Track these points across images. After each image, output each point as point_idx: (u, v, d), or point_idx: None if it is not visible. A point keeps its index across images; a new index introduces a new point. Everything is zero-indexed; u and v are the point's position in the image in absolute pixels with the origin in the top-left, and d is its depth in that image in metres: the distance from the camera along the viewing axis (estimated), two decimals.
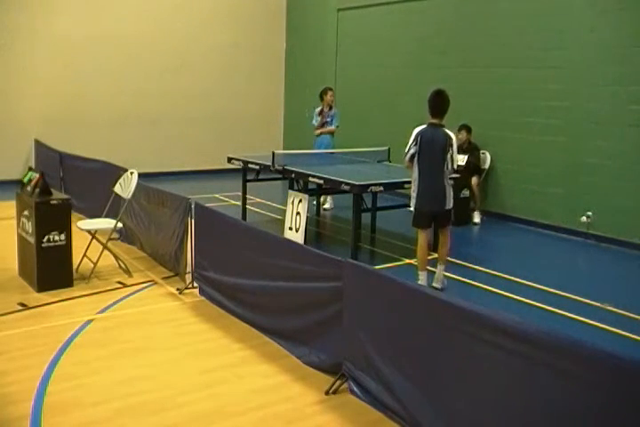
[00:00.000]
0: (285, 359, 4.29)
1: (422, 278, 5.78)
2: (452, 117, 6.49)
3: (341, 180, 6.58)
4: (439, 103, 5.73)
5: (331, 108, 9.15)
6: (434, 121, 5.74)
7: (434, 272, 5.92)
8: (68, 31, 10.95)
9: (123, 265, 6.13)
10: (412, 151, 5.70)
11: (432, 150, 5.65)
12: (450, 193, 5.77)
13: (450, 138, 5.67)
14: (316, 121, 9.17)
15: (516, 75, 8.74)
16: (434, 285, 5.82)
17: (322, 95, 9.15)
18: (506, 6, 8.85)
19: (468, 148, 8.85)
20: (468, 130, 8.88)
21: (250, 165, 8.09)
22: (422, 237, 5.84)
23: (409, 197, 5.90)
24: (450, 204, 5.79)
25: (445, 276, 6.00)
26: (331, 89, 9.26)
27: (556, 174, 8.36)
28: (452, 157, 5.66)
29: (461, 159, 8.44)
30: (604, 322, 5.10)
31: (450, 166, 5.69)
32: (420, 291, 3.41)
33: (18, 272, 5.90)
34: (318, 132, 9.15)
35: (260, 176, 8.31)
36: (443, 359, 3.21)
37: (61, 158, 9.11)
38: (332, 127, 9.13)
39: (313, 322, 4.17)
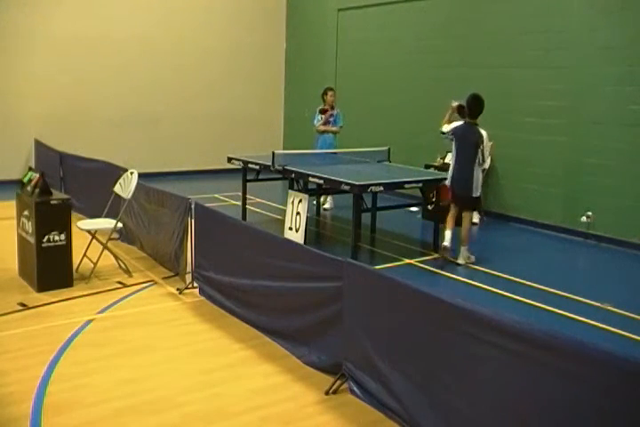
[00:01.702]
0: (285, 359, 4.29)
1: (447, 237, 6.58)
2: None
3: (341, 180, 6.58)
4: (475, 107, 6.57)
5: (332, 107, 9.13)
6: (470, 120, 6.59)
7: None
8: (68, 31, 10.96)
9: (123, 265, 6.13)
10: (450, 137, 6.70)
11: (466, 144, 6.55)
12: (477, 182, 6.57)
13: (481, 135, 6.52)
14: (317, 120, 9.15)
15: (516, 75, 8.73)
16: (458, 261, 6.62)
17: (323, 96, 9.15)
18: (506, 6, 8.85)
19: None
20: None
21: (250, 165, 8.09)
22: (452, 210, 6.78)
23: (409, 196, 6.07)
24: (476, 192, 6.62)
25: (449, 275, 6.28)
26: (331, 89, 9.24)
27: (556, 174, 8.35)
28: (482, 151, 6.52)
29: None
30: (604, 322, 5.10)
31: (481, 159, 6.53)
32: (420, 291, 3.40)
33: (18, 272, 5.90)
34: (322, 128, 9.11)
35: (260, 176, 8.31)
36: (443, 359, 3.21)
37: (61, 158, 9.10)
38: (336, 127, 9.12)
39: (313, 322, 4.17)
